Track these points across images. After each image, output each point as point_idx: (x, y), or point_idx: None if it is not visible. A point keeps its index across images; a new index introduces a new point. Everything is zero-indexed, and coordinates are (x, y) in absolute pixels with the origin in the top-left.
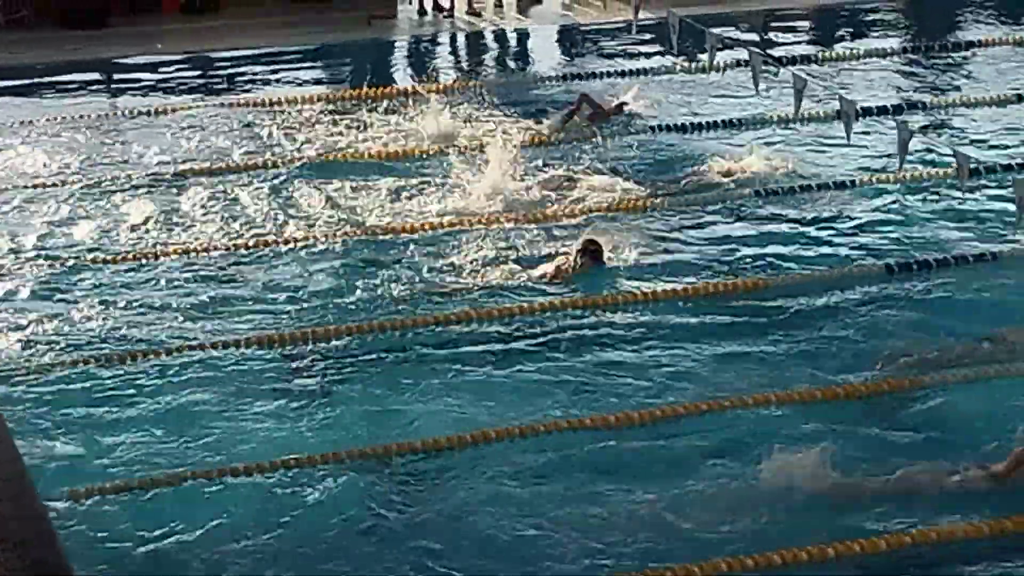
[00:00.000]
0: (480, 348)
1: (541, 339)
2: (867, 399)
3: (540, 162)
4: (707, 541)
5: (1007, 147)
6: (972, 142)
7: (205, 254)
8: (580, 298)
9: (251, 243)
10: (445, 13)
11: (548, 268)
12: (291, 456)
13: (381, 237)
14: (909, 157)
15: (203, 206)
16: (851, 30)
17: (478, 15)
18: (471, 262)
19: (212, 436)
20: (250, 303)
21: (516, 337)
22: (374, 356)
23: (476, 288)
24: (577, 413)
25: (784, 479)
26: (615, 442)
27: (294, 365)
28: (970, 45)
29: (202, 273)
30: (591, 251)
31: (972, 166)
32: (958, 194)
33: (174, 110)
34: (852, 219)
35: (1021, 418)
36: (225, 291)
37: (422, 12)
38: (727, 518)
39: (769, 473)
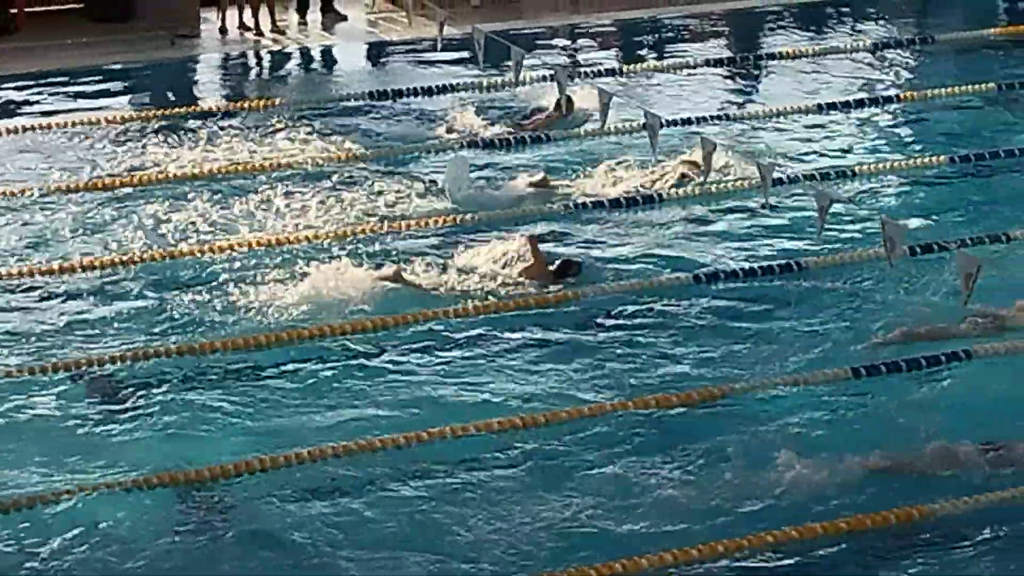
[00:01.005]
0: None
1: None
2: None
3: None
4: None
5: (810, 157)
6: (777, 153)
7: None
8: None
9: (49, 268)
10: (250, 31)
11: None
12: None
13: (187, 258)
14: (716, 169)
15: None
16: (657, 44)
17: (282, 33)
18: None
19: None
20: (52, 329)
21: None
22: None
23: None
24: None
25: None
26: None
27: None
28: (773, 57)
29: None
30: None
31: (776, 176)
32: (763, 204)
33: None
34: (660, 230)
35: None
36: (26, 318)
37: (223, 31)
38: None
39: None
